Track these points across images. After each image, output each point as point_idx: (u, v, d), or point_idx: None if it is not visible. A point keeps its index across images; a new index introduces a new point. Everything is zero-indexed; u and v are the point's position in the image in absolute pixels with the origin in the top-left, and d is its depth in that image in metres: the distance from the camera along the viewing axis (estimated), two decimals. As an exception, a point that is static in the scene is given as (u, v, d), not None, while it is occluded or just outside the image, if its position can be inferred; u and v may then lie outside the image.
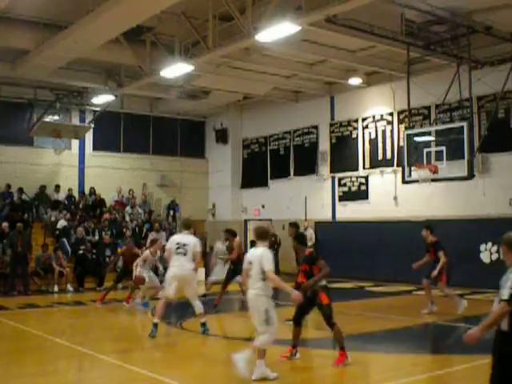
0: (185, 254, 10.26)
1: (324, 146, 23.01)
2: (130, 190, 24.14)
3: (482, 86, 16.43)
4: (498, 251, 16.80)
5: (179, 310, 12.79)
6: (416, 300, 15.72)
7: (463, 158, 14.74)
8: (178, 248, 10.33)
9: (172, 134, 26.37)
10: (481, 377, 7.46)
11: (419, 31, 15.58)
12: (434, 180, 15.90)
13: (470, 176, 15.08)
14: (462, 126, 14.94)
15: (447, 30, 15.59)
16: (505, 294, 4.57)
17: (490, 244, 17.04)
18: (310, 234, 21.63)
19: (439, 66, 17.71)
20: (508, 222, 16.81)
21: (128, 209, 23.49)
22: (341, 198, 22.42)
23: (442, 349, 10.21)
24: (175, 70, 17.20)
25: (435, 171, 15.28)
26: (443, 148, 15.16)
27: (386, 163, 20.66)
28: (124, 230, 21.46)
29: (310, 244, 21.49)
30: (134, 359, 8.99)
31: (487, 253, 17.07)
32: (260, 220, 24.95)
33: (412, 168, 16.02)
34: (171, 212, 24.78)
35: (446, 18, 14.76)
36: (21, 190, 21.66)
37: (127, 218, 22.98)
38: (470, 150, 14.89)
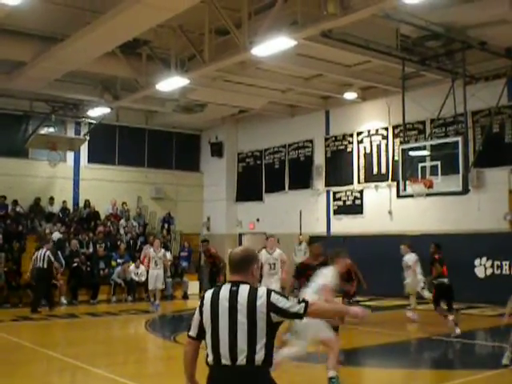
0: None
1: (319, 160, 23.03)
2: (123, 203, 24.11)
3: (477, 101, 16.50)
4: (492, 266, 16.83)
5: (172, 323, 12.74)
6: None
7: (458, 172, 14.78)
8: None
9: (167, 147, 26.32)
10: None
11: (414, 46, 15.68)
12: (428, 194, 15.93)
13: (465, 191, 15.12)
14: (457, 141, 15.01)
15: (442, 45, 15.66)
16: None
17: (484, 259, 17.04)
18: (305, 247, 21.60)
19: (434, 81, 17.77)
20: (502, 236, 16.86)
21: (122, 221, 23.44)
22: (335, 212, 22.41)
23: (436, 364, 10.18)
24: (171, 83, 17.22)
25: (430, 186, 15.30)
26: (438, 163, 15.22)
27: (381, 178, 20.68)
28: (118, 243, 21.39)
29: (304, 258, 21.49)
30: (127, 372, 8.92)
31: (482, 267, 17.05)
32: (254, 234, 24.90)
33: (407, 182, 16.05)
34: (166, 225, 24.73)
35: (441, 34, 14.84)
36: (15, 202, 21.59)
37: (121, 231, 22.92)
38: (465, 165, 14.95)
